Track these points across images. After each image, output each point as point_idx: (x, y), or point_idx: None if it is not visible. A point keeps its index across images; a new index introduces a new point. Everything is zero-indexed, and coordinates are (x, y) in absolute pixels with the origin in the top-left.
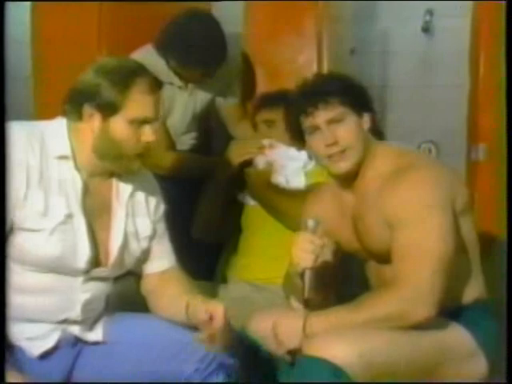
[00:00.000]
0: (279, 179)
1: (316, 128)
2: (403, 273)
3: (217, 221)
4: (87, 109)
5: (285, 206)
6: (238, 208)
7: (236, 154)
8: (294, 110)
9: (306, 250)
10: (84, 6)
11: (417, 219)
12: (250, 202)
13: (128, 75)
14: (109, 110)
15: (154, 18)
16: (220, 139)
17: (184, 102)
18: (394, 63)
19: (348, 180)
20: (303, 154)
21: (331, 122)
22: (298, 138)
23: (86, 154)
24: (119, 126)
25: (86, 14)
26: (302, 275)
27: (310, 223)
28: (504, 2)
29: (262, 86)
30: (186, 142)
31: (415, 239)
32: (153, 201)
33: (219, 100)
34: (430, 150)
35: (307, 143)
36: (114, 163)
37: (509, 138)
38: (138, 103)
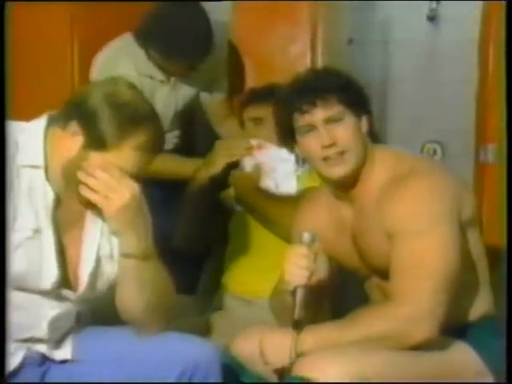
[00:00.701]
0: (268, 183)
1: (312, 127)
2: (402, 289)
3: (200, 229)
4: (74, 126)
5: (274, 213)
6: (223, 215)
7: (221, 155)
8: (287, 106)
9: (299, 266)
10: (56, 5)
11: (417, 231)
12: (237, 208)
13: (134, 122)
14: (95, 143)
15: (129, 14)
16: (204, 138)
17: (165, 98)
18: (395, 55)
19: (345, 188)
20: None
21: (329, 121)
22: (287, 138)
23: (59, 163)
24: (95, 163)
25: (58, 13)
26: (293, 293)
27: (306, 236)
28: (504, 2)
29: (251, 79)
30: (168, 141)
31: (415, 253)
32: None
33: (204, 95)
34: (434, 151)
35: (299, 144)
36: (75, 190)
37: (509, 139)
38: (124, 157)
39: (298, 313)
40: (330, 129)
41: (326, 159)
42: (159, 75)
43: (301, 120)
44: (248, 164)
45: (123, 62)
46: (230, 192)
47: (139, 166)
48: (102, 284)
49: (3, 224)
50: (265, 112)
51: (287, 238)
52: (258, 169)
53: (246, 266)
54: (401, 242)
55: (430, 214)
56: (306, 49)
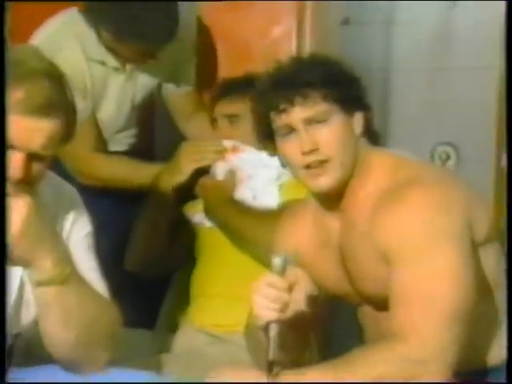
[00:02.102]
0: (245, 194)
1: (290, 129)
2: (404, 323)
3: (160, 249)
4: None
5: (252, 230)
6: (189, 232)
7: (188, 160)
8: (262, 103)
9: (268, 298)
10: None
11: (420, 254)
12: (206, 224)
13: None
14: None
15: None
16: (167, 139)
17: (120, 89)
18: (400, 38)
19: (333, 200)
20: (277, 161)
21: (311, 121)
22: (266, 140)
23: None
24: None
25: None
26: (265, 330)
27: (277, 262)
28: (504, 2)
29: (224, 68)
30: (122, 141)
31: (418, 280)
32: (70, 220)
33: (167, 87)
34: (447, 156)
35: (278, 148)
36: None
37: (509, 139)
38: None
39: (272, 353)
40: (312, 131)
41: (307, 167)
42: (112, 61)
43: (278, 120)
44: (220, 170)
45: (68, 43)
46: (198, 204)
47: (23, 140)
48: (27, 315)
49: (3, 223)
50: (241, 108)
51: (267, 260)
52: (232, 176)
53: (218, 295)
54: (399, 266)
55: (435, 230)
56: (290, 31)
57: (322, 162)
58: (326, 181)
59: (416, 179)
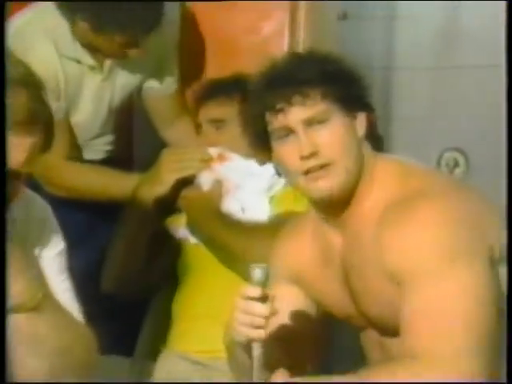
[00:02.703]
0: (232, 206)
1: (288, 131)
2: (416, 347)
3: (139, 267)
4: None
5: (240, 246)
6: (171, 248)
7: (169, 169)
8: (256, 104)
9: (247, 313)
10: None
11: (433, 274)
12: (190, 240)
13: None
14: None
15: None
16: (147, 146)
17: (96, 90)
18: (403, 34)
19: (335, 211)
20: (268, 170)
21: (310, 122)
22: (260, 145)
23: None
24: None
25: None
26: (248, 349)
27: (256, 273)
28: (504, 2)
29: (210, 68)
30: (98, 149)
31: (433, 303)
32: (42, 238)
33: (147, 88)
34: (456, 163)
35: (274, 153)
36: None
37: (509, 139)
38: None
39: (256, 374)
40: (312, 133)
41: (306, 173)
42: (89, 59)
43: (274, 122)
44: (205, 180)
45: (40, 40)
46: (181, 218)
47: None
48: None
49: (3, 224)
50: (228, 111)
51: None
52: (218, 187)
53: (202, 318)
54: (412, 286)
55: (450, 246)
56: (282, 26)
57: (323, 166)
58: (326, 185)
59: (426, 191)
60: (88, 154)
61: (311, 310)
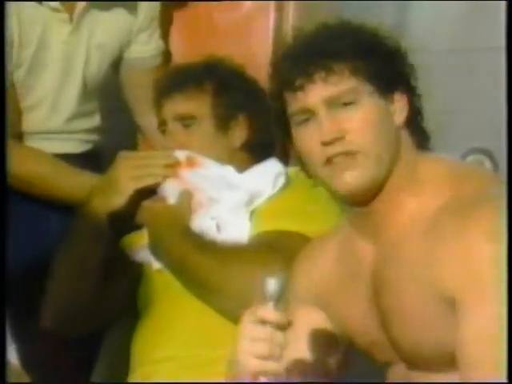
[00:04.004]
0: (205, 223)
1: (309, 115)
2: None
3: (89, 296)
4: None
5: (215, 273)
6: (130, 273)
7: (127, 176)
8: (275, 81)
9: (259, 341)
10: None
11: (500, 294)
12: (153, 264)
13: None
14: None
15: None
16: (126, 135)
17: (64, 46)
18: (416, 14)
19: (366, 214)
20: (248, 179)
21: (334, 103)
22: (279, 131)
23: None
24: None
25: None
26: None
27: (271, 285)
28: (504, 2)
29: (179, 51)
30: (78, 138)
31: (501, 326)
32: None
33: (128, 58)
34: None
35: (294, 142)
36: None
37: (509, 139)
38: None
39: None
40: (336, 116)
41: (329, 162)
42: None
43: (293, 103)
44: (171, 191)
45: None
46: (142, 237)
47: None
48: None
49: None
50: (199, 105)
51: (236, 315)
52: (187, 199)
53: (169, 360)
54: (472, 309)
55: None
56: (267, 2)
57: (349, 154)
58: (353, 175)
59: (483, 197)
60: (64, 146)
61: (335, 337)
